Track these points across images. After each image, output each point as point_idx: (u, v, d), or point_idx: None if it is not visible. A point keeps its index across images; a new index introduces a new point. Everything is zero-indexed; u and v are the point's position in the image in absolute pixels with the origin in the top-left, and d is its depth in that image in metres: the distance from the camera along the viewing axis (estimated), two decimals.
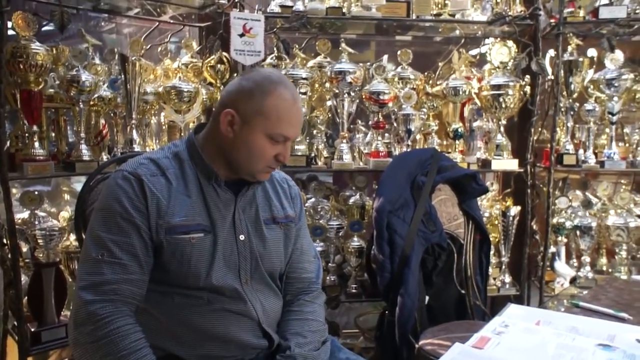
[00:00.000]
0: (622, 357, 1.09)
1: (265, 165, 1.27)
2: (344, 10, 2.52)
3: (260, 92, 1.21)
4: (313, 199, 2.69)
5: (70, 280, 2.07)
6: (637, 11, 2.50)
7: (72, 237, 2.07)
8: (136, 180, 1.19)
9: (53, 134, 2.16)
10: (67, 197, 2.51)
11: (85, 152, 2.01)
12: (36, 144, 1.89)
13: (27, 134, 1.92)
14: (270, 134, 1.22)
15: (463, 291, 2.13)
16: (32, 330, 1.90)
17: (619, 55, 2.52)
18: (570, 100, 2.62)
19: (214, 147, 1.27)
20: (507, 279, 2.67)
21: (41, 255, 1.96)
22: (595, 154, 2.64)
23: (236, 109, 1.22)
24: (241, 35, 2.31)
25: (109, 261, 1.13)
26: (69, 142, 2.20)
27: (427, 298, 2.06)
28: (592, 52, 2.63)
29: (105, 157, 2.14)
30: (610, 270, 2.70)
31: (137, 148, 2.15)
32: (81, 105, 2.00)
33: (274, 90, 1.22)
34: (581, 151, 2.64)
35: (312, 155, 2.56)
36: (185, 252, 1.20)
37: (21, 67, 1.79)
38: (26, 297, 1.91)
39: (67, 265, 2.05)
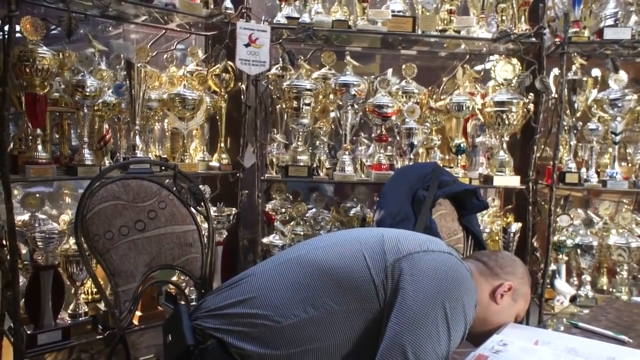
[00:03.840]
0: None
1: (490, 337, 1.30)
2: (350, 23, 2.54)
3: (529, 281, 1.41)
4: (314, 210, 2.69)
5: (68, 283, 2.06)
6: None
7: (72, 240, 2.07)
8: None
9: (57, 137, 2.16)
10: (68, 200, 2.51)
11: (87, 156, 2.02)
12: (39, 147, 1.89)
13: (30, 137, 1.93)
14: (518, 315, 1.39)
15: None
16: (29, 332, 1.89)
17: (622, 76, 2.53)
18: (574, 119, 2.62)
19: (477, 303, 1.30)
20: None
21: (40, 257, 1.95)
22: (598, 173, 2.64)
23: (514, 284, 1.33)
24: (247, 45, 2.32)
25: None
26: (72, 145, 2.21)
27: None
28: (596, 71, 2.64)
29: (107, 162, 2.15)
30: (611, 289, 2.68)
31: (139, 154, 2.15)
32: (85, 110, 2.01)
33: (530, 285, 1.42)
34: (583, 170, 2.64)
35: (314, 166, 2.56)
36: None
37: (27, 70, 1.80)
38: (23, 299, 1.90)
39: (66, 268, 2.04)
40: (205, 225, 1.83)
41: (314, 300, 1.14)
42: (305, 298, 1.15)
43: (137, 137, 2.15)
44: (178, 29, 2.62)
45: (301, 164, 2.50)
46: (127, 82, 2.11)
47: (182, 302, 1.30)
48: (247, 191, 2.52)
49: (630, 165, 2.77)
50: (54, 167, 1.92)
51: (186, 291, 2.32)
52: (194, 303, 1.92)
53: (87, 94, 1.97)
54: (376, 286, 1.14)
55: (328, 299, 1.14)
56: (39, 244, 1.94)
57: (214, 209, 2.44)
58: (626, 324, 1.49)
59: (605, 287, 2.76)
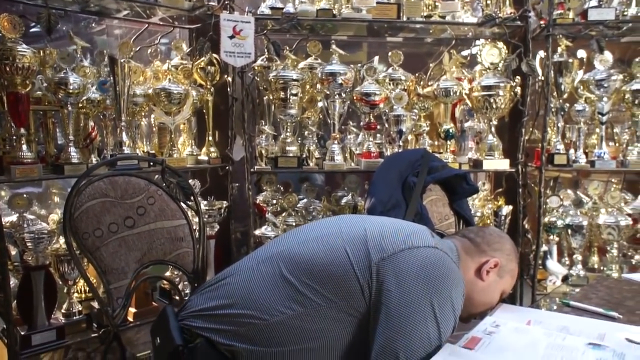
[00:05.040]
0: (611, 356, 1.09)
1: (480, 314, 1.37)
2: (335, 12, 2.52)
3: (516, 257, 1.41)
4: (305, 200, 2.68)
5: (60, 283, 2.05)
6: (625, 13, 2.52)
7: (62, 239, 2.05)
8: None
9: (42, 136, 2.13)
10: (57, 199, 2.49)
11: (74, 154, 1.99)
12: (24, 147, 1.86)
13: (14, 137, 1.90)
14: (505, 291, 1.40)
15: None
16: (22, 333, 1.87)
17: (608, 56, 2.54)
18: (561, 101, 2.63)
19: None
20: None
21: (30, 258, 1.94)
22: (586, 154, 2.66)
23: (500, 261, 1.34)
24: (231, 37, 2.30)
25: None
26: (58, 144, 2.18)
27: None
28: (581, 53, 2.64)
29: (94, 159, 2.12)
30: (602, 268, 2.71)
31: (127, 150, 2.13)
32: (69, 108, 1.98)
33: (518, 261, 1.43)
34: (572, 151, 2.65)
35: (304, 156, 2.56)
36: None
37: (7, 69, 1.77)
38: (15, 301, 1.89)
39: (57, 268, 2.03)
40: (196, 219, 1.83)
41: (298, 296, 1.13)
42: (289, 295, 1.13)
43: (124, 134, 2.13)
44: (161, 23, 2.59)
45: (290, 154, 2.49)
46: (111, 78, 2.09)
47: (169, 304, 1.27)
48: (237, 184, 2.52)
49: (617, 144, 2.79)
50: (40, 167, 1.89)
51: (180, 286, 2.32)
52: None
53: (71, 91, 1.94)
54: (361, 285, 1.12)
55: (312, 296, 1.12)
56: (28, 244, 1.92)
57: (205, 202, 2.43)
58: (616, 301, 1.51)
59: (596, 266, 2.79)
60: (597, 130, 2.66)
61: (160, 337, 1.23)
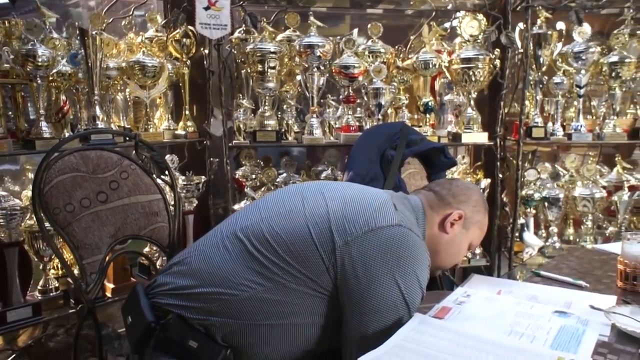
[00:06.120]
0: (575, 323, 1.12)
1: (449, 266, 1.40)
2: None
3: (484, 209, 1.39)
4: (285, 174, 2.67)
5: (35, 259, 2.03)
6: None
7: None
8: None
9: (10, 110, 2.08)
10: (30, 175, 2.44)
11: (45, 129, 1.94)
12: None
13: None
14: (473, 243, 1.39)
15: None
16: None
17: (586, 28, 2.53)
18: (539, 74, 2.63)
19: (427, 235, 1.30)
20: (477, 250, 2.72)
21: (3, 234, 1.91)
22: (564, 127, 2.68)
23: (465, 212, 1.32)
24: (206, 9, 2.25)
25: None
26: (30, 119, 2.13)
27: None
28: (560, 25, 2.63)
29: (67, 134, 2.08)
30: (577, 239, 2.76)
31: (101, 125, 2.08)
32: (39, 81, 1.92)
33: (487, 210, 1.41)
34: (550, 124, 2.67)
35: (282, 130, 2.53)
36: None
37: None
38: None
39: (32, 244, 2.00)
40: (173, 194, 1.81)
41: (266, 272, 1.12)
42: (256, 270, 1.13)
43: (97, 108, 2.08)
44: None
45: (269, 128, 2.47)
46: (82, 50, 2.03)
47: (139, 283, 1.26)
48: (217, 159, 2.49)
49: (594, 117, 2.81)
50: (10, 142, 1.85)
51: (159, 262, 2.31)
52: None
53: (39, 64, 1.88)
54: (327, 266, 1.12)
55: (279, 272, 1.12)
56: (0, 221, 1.89)
57: (183, 177, 2.41)
58: (585, 270, 1.54)
59: (571, 238, 2.84)
60: (575, 103, 2.67)
61: (132, 316, 1.22)
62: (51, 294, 2.05)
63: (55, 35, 2.09)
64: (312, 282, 1.12)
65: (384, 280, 1.10)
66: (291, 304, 1.13)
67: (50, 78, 2.03)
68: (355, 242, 1.12)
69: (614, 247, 1.74)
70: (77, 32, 2.15)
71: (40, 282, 2.06)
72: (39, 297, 2.01)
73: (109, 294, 2.15)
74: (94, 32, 2.04)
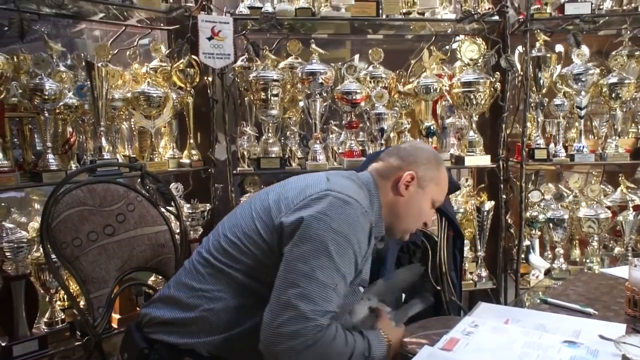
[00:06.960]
0: (585, 354, 1.11)
1: (417, 227, 1.39)
2: (314, 10, 2.51)
3: (437, 164, 1.38)
4: None
5: (42, 291, 2.03)
6: (601, 7, 2.55)
7: None
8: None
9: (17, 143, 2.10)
10: (37, 206, 2.46)
11: (52, 161, 1.97)
12: (0, 155, 1.84)
13: None
14: (435, 200, 1.38)
15: (439, 287, 2.14)
16: (3, 344, 1.86)
17: (585, 50, 2.56)
18: (540, 96, 2.66)
19: (384, 204, 1.31)
20: (484, 273, 2.71)
21: (10, 267, 1.91)
22: (566, 148, 2.69)
23: (416, 172, 1.32)
24: (210, 39, 2.29)
25: (336, 293, 1.12)
26: (37, 150, 2.15)
27: (403, 296, 2.06)
28: (559, 47, 2.67)
29: (74, 165, 2.10)
30: (584, 260, 2.74)
31: (106, 155, 2.11)
32: (46, 114, 1.95)
33: (442, 164, 1.41)
34: (552, 145, 2.68)
35: (286, 156, 2.55)
36: (347, 300, 1.23)
37: None
38: None
39: (38, 276, 2.01)
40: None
41: (225, 277, 1.21)
42: (223, 280, 1.21)
43: (103, 139, 2.11)
44: (139, 25, 2.56)
45: (273, 155, 2.49)
46: (89, 82, 2.06)
47: (132, 323, 1.34)
48: (221, 185, 2.50)
49: (596, 138, 2.83)
50: (17, 175, 1.87)
51: None
52: None
53: (47, 97, 1.91)
54: (271, 247, 1.18)
55: (240, 275, 1.20)
56: (7, 254, 1.89)
57: (188, 206, 2.42)
58: (593, 296, 1.53)
59: (578, 259, 2.83)
60: (576, 124, 2.69)
61: (128, 352, 1.28)
62: (57, 326, 2.05)
63: (62, 68, 2.13)
64: (266, 267, 1.18)
65: (314, 248, 1.11)
66: (254, 299, 1.18)
67: (57, 110, 2.06)
68: (287, 217, 1.17)
69: (621, 271, 1.73)
70: (83, 63, 2.19)
71: (47, 315, 2.06)
72: (45, 330, 2.01)
73: (115, 325, 2.15)
74: (99, 64, 2.07)
